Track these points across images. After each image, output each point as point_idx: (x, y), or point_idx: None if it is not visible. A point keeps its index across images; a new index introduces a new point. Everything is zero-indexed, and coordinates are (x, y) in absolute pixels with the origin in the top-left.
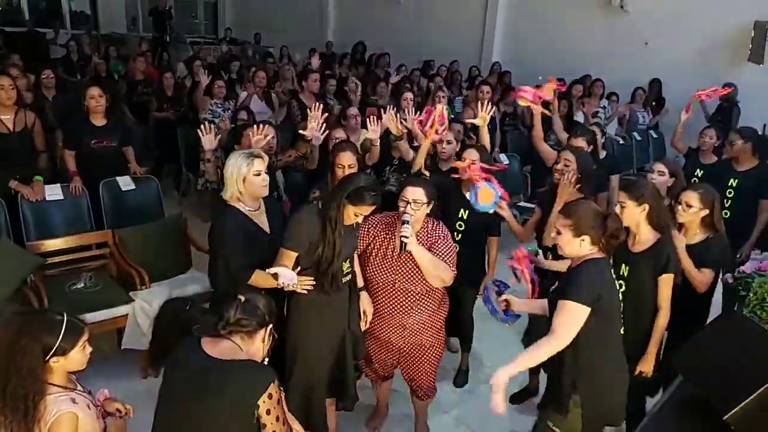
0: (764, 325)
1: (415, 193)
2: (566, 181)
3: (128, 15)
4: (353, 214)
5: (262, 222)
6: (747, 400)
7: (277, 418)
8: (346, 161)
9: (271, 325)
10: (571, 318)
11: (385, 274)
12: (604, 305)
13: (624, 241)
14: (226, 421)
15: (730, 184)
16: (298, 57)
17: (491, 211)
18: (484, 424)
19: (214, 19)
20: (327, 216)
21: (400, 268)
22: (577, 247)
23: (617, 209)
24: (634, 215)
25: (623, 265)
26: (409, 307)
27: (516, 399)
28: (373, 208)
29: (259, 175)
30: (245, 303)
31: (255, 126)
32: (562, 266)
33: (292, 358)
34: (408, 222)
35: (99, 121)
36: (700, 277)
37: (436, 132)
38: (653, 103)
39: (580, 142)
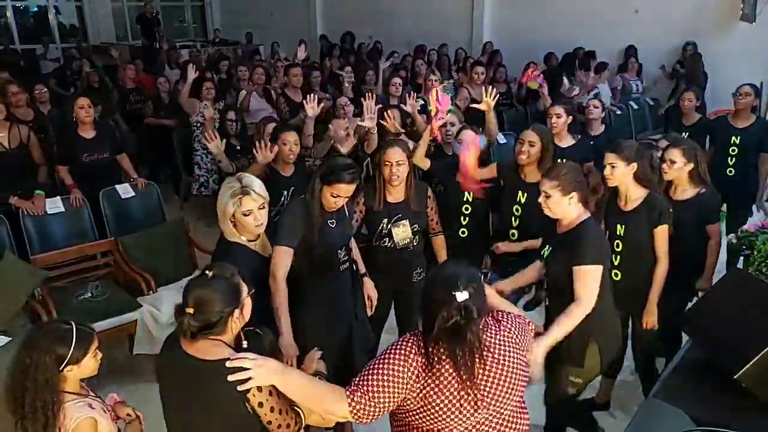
0: None
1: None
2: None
3: (116, 24)
4: (330, 195)
5: (267, 249)
6: (757, 358)
7: (272, 409)
8: (395, 157)
9: (239, 306)
10: (592, 281)
11: None
12: (607, 258)
13: (614, 203)
14: (224, 421)
15: (732, 142)
16: (283, 54)
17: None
18: None
19: (202, 22)
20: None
21: None
22: (566, 205)
23: (607, 171)
24: (623, 175)
25: (618, 225)
26: None
27: None
28: (351, 187)
29: (248, 215)
30: (195, 314)
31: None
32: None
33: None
34: None
35: (88, 133)
36: (711, 232)
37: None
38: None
39: (559, 110)
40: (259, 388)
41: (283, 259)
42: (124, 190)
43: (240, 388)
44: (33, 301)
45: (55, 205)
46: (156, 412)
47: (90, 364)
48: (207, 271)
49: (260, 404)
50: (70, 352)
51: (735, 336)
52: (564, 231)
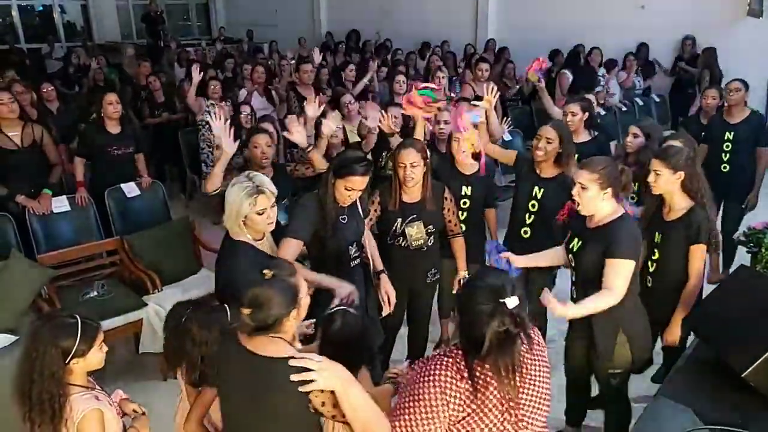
0: None
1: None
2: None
3: (121, 23)
4: (343, 188)
5: (273, 251)
6: (765, 356)
7: (335, 405)
8: (409, 159)
9: (296, 307)
10: (624, 274)
11: None
12: (639, 256)
13: (660, 209)
14: (286, 418)
15: (726, 138)
16: (289, 54)
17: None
18: None
19: (206, 20)
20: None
21: None
22: (600, 200)
23: (651, 178)
24: (669, 183)
25: (656, 233)
26: None
27: None
28: (365, 180)
29: (262, 213)
30: (251, 314)
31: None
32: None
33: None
34: None
35: (114, 128)
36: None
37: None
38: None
39: (574, 108)
40: (322, 390)
41: (290, 249)
42: (130, 189)
43: (302, 389)
44: (39, 299)
45: (61, 204)
46: (162, 409)
47: (96, 357)
48: (265, 270)
49: (323, 404)
50: (76, 344)
51: (742, 334)
52: (596, 225)
